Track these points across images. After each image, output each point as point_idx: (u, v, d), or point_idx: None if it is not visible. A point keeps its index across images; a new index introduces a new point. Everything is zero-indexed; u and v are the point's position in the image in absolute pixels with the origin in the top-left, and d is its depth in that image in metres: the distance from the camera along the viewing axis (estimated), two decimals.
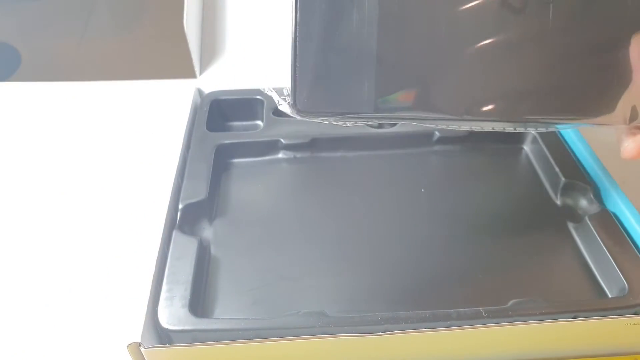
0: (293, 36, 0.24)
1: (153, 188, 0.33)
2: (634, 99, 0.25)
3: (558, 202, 0.34)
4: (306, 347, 0.25)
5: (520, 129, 0.27)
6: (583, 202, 0.33)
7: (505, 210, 0.34)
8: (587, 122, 0.26)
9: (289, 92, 0.25)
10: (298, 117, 0.25)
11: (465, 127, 0.26)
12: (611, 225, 0.31)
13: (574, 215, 0.33)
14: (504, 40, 0.24)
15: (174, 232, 0.30)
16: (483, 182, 0.36)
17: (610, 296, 0.28)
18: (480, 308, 0.26)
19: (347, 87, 0.25)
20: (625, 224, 0.31)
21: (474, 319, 0.26)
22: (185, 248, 0.29)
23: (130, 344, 0.24)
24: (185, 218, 0.32)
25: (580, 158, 0.36)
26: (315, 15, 0.24)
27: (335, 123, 0.26)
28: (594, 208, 0.32)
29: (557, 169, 0.35)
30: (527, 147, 0.38)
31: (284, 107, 0.26)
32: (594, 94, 0.25)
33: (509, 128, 0.27)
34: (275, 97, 0.26)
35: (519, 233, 0.33)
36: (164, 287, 0.27)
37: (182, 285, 0.27)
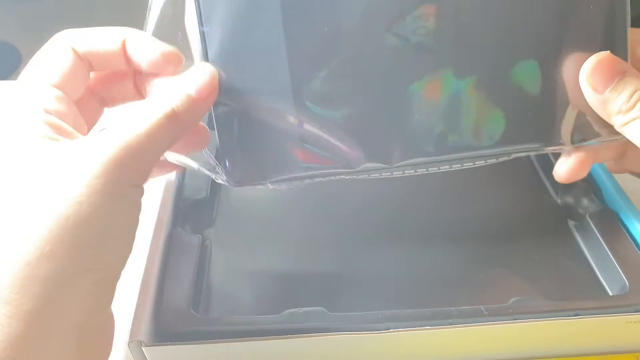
0: (214, 119, 0.25)
1: (154, 186, 0.33)
2: (574, 121, 0.25)
3: (559, 200, 0.34)
4: (307, 345, 0.25)
5: (456, 166, 0.27)
6: (584, 201, 0.33)
7: (506, 208, 0.34)
8: (532, 149, 0.26)
9: (222, 168, 0.26)
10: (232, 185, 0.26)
11: (397, 172, 0.26)
12: (612, 224, 0.31)
13: (575, 213, 0.33)
14: (423, 79, 0.25)
15: (176, 230, 0.30)
16: (484, 180, 0.36)
17: (611, 294, 0.28)
18: (481, 306, 0.26)
19: (272, 152, 0.25)
20: (626, 222, 0.31)
21: (475, 317, 0.26)
22: (186, 246, 0.30)
23: (132, 342, 0.24)
24: (187, 216, 0.32)
25: None
26: (231, 88, 0.24)
27: (271, 187, 0.26)
28: (595, 206, 0.32)
29: None
30: None
31: (220, 179, 0.26)
32: (536, 120, 0.25)
33: (444, 167, 0.27)
34: (210, 174, 0.26)
35: (519, 231, 0.33)
36: (165, 285, 0.27)
37: (183, 283, 0.27)
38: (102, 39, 0.24)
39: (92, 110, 0.26)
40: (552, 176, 0.35)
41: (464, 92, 0.25)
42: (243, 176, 0.26)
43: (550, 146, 0.26)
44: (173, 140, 0.23)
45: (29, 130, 0.21)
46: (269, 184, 0.26)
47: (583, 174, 0.27)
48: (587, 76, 0.24)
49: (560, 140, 0.26)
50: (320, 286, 0.29)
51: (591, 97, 0.24)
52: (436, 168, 0.26)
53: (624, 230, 0.30)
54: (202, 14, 0.24)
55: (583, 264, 0.30)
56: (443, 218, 0.33)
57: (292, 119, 0.25)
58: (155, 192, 0.33)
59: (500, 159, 0.27)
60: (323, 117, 0.25)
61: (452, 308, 0.26)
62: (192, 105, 0.23)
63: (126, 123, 0.21)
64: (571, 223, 0.33)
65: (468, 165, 0.27)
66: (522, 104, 0.25)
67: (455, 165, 0.26)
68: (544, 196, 0.35)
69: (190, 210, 0.32)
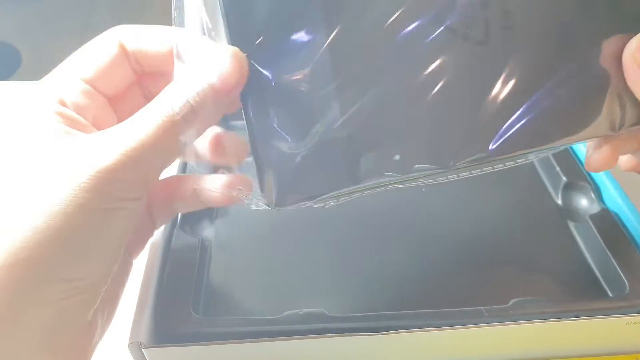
0: (250, 137, 0.23)
1: None
2: (617, 105, 0.24)
3: (559, 201, 0.34)
4: (306, 347, 0.25)
5: (510, 164, 0.25)
6: (584, 202, 0.33)
7: (506, 209, 0.34)
8: (578, 139, 0.25)
9: (260, 189, 0.23)
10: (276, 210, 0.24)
11: (452, 176, 0.25)
12: (612, 225, 0.31)
13: (575, 214, 0.33)
14: (470, 76, 0.23)
15: (175, 232, 0.30)
16: (484, 181, 0.36)
17: (611, 295, 0.28)
18: (481, 307, 0.26)
19: (320, 166, 0.23)
20: (626, 224, 0.31)
21: (475, 318, 0.26)
22: (186, 248, 0.30)
23: (131, 343, 0.24)
24: (186, 218, 0.32)
25: (581, 158, 0.36)
26: (265, 106, 0.22)
27: (316, 206, 0.24)
28: (595, 208, 0.32)
29: (558, 169, 0.35)
30: None
31: (258, 205, 0.24)
32: (577, 110, 0.24)
33: (498, 166, 0.25)
34: (246, 201, 0.24)
35: (519, 232, 0.33)
36: (165, 286, 0.27)
37: (183, 284, 0.27)
38: (152, 39, 0.23)
39: (136, 106, 0.24)
40: (553, 177, 0.35)
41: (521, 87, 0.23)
42: (288, 197, 0.23)
43: (597, 134, 0.25)
44: (179, 151, 0.21)
45: (36, 121, 0.21)
46: (313, 204, 0.24)
47: (614, 163, 0.26)
48: (633, 53, 0.23)
49: (605, 128, 0.24)
50: (320, 287, 0.29)
51: (637, 74, 0.23)
52: (490, 167, 0.25)
53: (624, 232, 0.30)
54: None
55: (583, 265, 0.30)
56: (443, 219, 0.33)
57: (340, 125, 0.23)
58: None
59: (552, 152, 0.26)
60: (374, 120, 0.23)
61: (453, 309, 0.26)
62: (214, 98, 0.21)
63: (127, 128, 0.20)
64: (571, 224, 0.33)
65: (521, 161, 0.25)
66: (572, 92, 0.24)
67: (508, 163, 0.25)
68: (544, 197, 0.35)
69: (190, 212, 0.32)
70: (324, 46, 0.22)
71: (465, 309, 0.26)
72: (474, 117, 0.23)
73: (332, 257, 0.31)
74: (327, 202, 0.24)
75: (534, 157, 0.25)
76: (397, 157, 0.23)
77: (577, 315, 0.26)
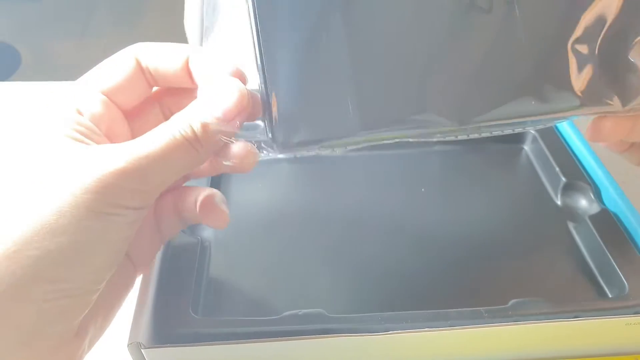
0: (259, 65, 0.23)
1: None
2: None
3: (558, 202, 0.34)
4: (306, 347, 0.25)
5: (519, 129, 0.26)
6: (583, 202, 0.33)
7: (506, 210, 0.34)
8: (584, 112, 0.25)
9: (265, 128, 0.23)
10: (280, 155, 0.23)
11: (462, 135, 0.25)
12: (611, 225, 0.31)
13: (574, 215, 0.33)
14: (480, 41, 0.23)
15: None
16: (483, 182, 0.36)
17: (610, 296, 0.28)
18: (481, 308, 0.26)
19: (328, 109, 0.23)
20: (625, 224, 0.31)
21: (474, 318, 0.26)
22: (186, 248, 0.30)
23: (131, 343, 0.24)
24: None
25: (581, 158, 0.36)
26: (280, 41, 0.22)
27: (323, 153, 0.24)
28: (594, 208, 0.32)
29: (557, 169, 0.35)
30: (527, 147, 0.38)
31: (265, 148, 0.24)
32: (586, 81, 0.24)
33: (507, 130, 0.25)
34: (252, 145, 0.23)
35: (519, 233, 0.33)
36: (165, 287, 0.27)
37: (183, 285, 0.27)
38: (166, 56, 0.24)
39: (152, 122, 0.25)
40: (552, 177, 0.35)
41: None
42: (292, 137, 0.23)
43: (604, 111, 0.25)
44: (191, 164, 0.22)
45: (51, 125, 0.21)
46: (319, 149, 0.23)
47: (613, 137, 0.26)
48: None
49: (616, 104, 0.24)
50: (320, 288, 0.29)
51: None
52: (500, 131, 0.25)
53: (624, 232, 0.30)
54: None
55: (582, 266, 0.30)
56: (443, 219, 0.33)
57: (352, 72, 0.23)
58: None
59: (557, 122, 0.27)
60: (387, 70, 0.23)
61: (452, 310, 0.26)
62: (216, 127, 0.22)
63: (139, 140, 0.21)
64: (571, 225, 0.33)
65: (540, 125, 0.26)
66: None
67: (529, 127, 0.25)
68: (543, 198, 0.35)
69: None
70: None
71: (464, 309, 0.26)
72: (487, 77, 0.24)
73: (332, 258, 0.31)
74: (334, 149, 0.24)
75: (524, 128, 0.26)
76: (408, 109, 0.23)
77: (576, 315, 0.26)
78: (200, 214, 0.26)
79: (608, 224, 0.31)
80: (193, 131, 0.21)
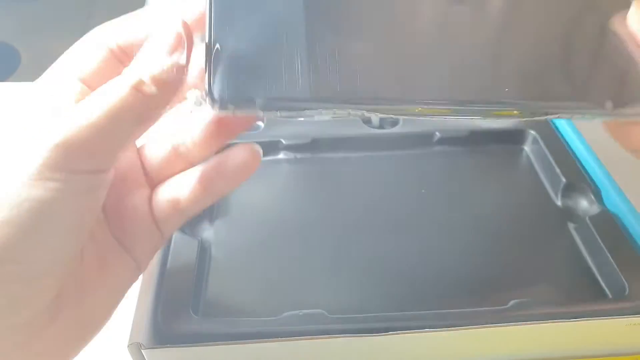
0: (207, 9, 0.21)
1: None
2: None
3: (559, 202, 0.34)
4: (306, 348, 0.25)
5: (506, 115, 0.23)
6: (583, 203, 0.33)
7: (506, 210, 0.34)
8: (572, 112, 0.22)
9: (205, 81, 0.21)
10: (217, 112, 0.21)
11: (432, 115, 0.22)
12: (612, 226, 0.31)
13: (575, 216, 0.33)
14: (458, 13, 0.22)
15: (175, 233, 0.30)
16: (484, 182, 0.36)
17: (610, 297, 0.28)
18: (481, 308, 0.26)
19: (273, 68, 0.21)
20: (626, 225, 0.31)
21: (475, 319, 0.26)
22: (185, 249, 0.29)
23: (131, 344, 0.24)
24: None
25: (581, 159, 0.36)
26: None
27: (265, 115, 0.21)
28: (595, 209, 0.32)
29: (557, 170, 0.35)
30: (527, 148, 0.39)
31: (199, 105, 0.21)
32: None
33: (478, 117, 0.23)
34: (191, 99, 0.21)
35: (519, 233, 0.33)
36: (165, 287, 0.27)
37: (183, 285, 0.27)
38: (132, 29, 0.22)
39: (110, 74, 0.23)
40: (552, 178, 0.35)
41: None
42: (229, 92, 0.20)
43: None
44: (146, 116, 0.20)
45: (33, 121, 0.20)
46: (261, 111, 0.21)
47: None
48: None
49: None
50: (320, 288, 0.29)
51: None
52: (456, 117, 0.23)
53: (624, 233, 0.30)
54: None
55: (583, 267, 0.30)
56: (443, 220, 0.33)
57: (307, 33, 0.21)
58: None
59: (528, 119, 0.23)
60: (346, 39, 0.21)
61: (452, 310, 0.26)
62: (165, 73, 0.20)
63: (86, 101, 0.19)
64: (571, 225, 0.33)
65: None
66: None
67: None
68: (543, 198, 0.35)
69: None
70: None
71: (464, 310, 0.26)
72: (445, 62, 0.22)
73: (332, 258, 0.31)
74: (277, 114, 0.21)
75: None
76: (368, 89, 0.21)
77: (576, 316, 0.26)
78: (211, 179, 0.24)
79: (608, 225, 0.31)
80: (140, 81, 0.19)
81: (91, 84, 0.22)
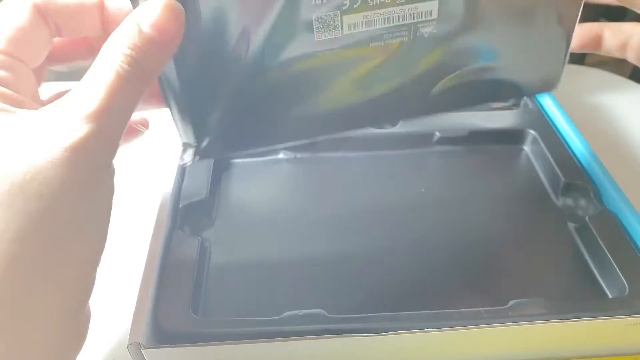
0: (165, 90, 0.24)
1: (154, 188, 0.33)
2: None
3: (558, 202, 0.34)
4: (306, 348, 0.25)
5: None
6: (583, 203, 0.33)
7: (506, 210, 0.34)
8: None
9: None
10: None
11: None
12: (611, 226, 0.31)
13: (574, 215, 0.33)
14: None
15: (175, 232, 0.30)
16: (483, 182, 0.36)
17: (610, 297, 0.28)
18: (481, 308, 0.26)
19: (241, 129, 0.26)
20: (626, 224, 0.31)
21: (474, 319, 0.26)
22: (185, 248, 0.29)
23: (131, 344, 0.24)
24: (186, 218, 0.32)
25: (581, 158, 0.36)
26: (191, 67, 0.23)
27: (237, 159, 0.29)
28: (594, 208, 0.32)
29: (557, 170, 0.35)
30: (527, 148, 0.39)
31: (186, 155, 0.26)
32: None
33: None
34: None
35: (519, 233, 0.33)
36: (165, 287, 0.27)
37: (183, 285, 0.27)
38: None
39: (40, 41, 0.22)
40: (552, 178, 0.35)
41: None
42: (210, 148, 0.26)
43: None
44: (142, 88, 0.19)
45: None
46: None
47: None
48: None
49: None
50: (320, 288, 0.29)
51: None
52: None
53: (624, 233, 0.30)
54: None
55: (582, 266, 0.30)
56: (443, 220, 0.33)
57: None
58: (154, 194, 0.32)
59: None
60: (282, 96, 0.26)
61: (452, 310, 0.26)
62: (152, 47, 0.19)
63: (85, 90, 0.19)
64: (571, 225, 0.33)
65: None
66: None
67: None
68: (543, 198, 0.35)
69: (190, 212, 0.32)
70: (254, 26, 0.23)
71: (464, 310, 0.26)
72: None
73: (332, 258, 0.31)
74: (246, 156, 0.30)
75: None
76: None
77: (576, 316, 0.26)
78: None
79: (608, 225, 0.31)
80: (132, 52, 0.19)
81: (17, 54, 0.21)
